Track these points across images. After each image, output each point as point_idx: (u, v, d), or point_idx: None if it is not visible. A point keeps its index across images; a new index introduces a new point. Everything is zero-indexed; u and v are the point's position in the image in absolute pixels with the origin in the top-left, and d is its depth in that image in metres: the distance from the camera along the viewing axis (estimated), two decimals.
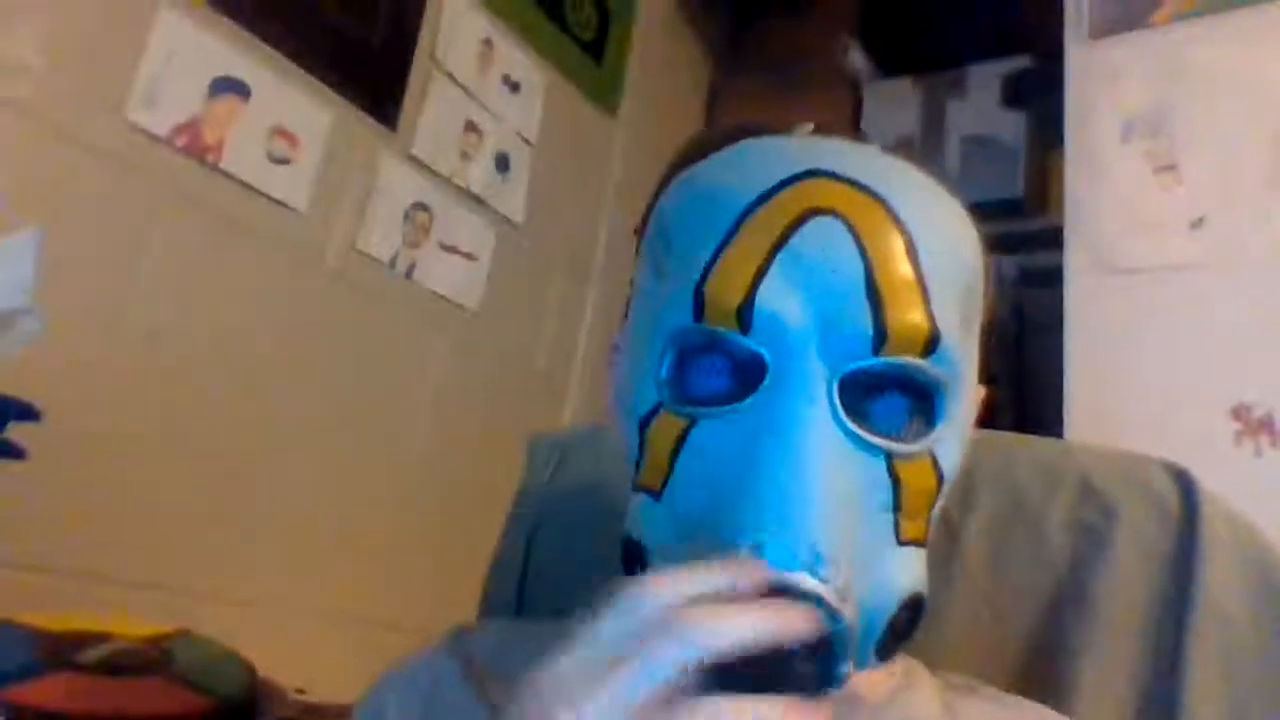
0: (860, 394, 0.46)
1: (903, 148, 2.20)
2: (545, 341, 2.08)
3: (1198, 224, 1.56)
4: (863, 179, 0.47)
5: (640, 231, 0.56)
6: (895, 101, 2.24)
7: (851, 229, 0.46)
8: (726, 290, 0.46)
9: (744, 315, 0.45)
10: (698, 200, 0.51)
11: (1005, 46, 2.13)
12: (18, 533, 1.11)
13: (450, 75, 1.87)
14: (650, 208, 0.56)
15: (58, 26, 1.29)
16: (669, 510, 0.48)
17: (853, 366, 0.45)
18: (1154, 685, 0.61)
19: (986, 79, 2.13)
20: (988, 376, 0.55)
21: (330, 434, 1.64)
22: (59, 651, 0.95)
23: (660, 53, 2.45)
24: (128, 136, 1.36)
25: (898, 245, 0.46)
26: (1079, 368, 1.58)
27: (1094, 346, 1.59)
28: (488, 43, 1.96)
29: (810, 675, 0.41)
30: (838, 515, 0.42)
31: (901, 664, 0.56)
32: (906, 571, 0.47)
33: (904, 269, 0.46)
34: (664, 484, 0.48)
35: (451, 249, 1.87)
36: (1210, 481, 0.65)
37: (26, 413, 0.89)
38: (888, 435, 0.46)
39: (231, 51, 1.49)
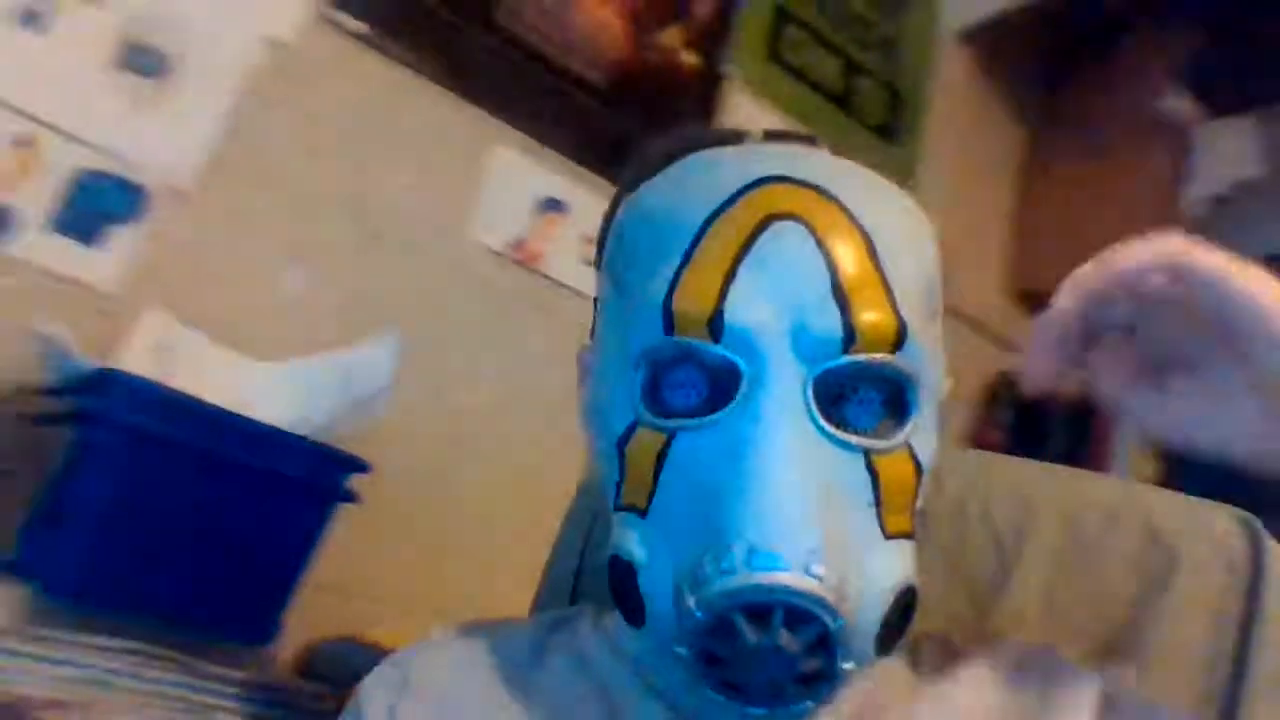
0: (834, 394, 0.47)
1: (1244, 191, 2.01)
2: None
3: None
4: (818, 182, 0.49)
5: (599, 254, 0.59)
6: (1231, 143, 2.04)
7: (812, 232, 0.47)
8: (695, 302, 0.47)
9: (714, 326, 0.46)
10: (656, 215, 0.52)
11: None
12: (351, 564, 1.31)
13: None
14: (605, 229, 0.58)
15: (421, 167, 1.61)
16: (657, 526, 0.48)
17: (825, 367, 0.46)
18: None
19: None
20: None
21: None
22: None
23: (960, 128, 2.39)
24: (471, 252, 1.65)
25: (858, 246, 0.48)
26: None
27: None
28: None
29: (814, 672, 0.44)
30: (825, 514, 0.44)
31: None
32: (896, 565, 0.48)
33: (867, 268, 0.47)
34: (649, 500, 0.48)
35: None
36: None
37: (361, 466, 1.13)
38: (864, 432, 0.47)
39: (554, 175, 1.75)
